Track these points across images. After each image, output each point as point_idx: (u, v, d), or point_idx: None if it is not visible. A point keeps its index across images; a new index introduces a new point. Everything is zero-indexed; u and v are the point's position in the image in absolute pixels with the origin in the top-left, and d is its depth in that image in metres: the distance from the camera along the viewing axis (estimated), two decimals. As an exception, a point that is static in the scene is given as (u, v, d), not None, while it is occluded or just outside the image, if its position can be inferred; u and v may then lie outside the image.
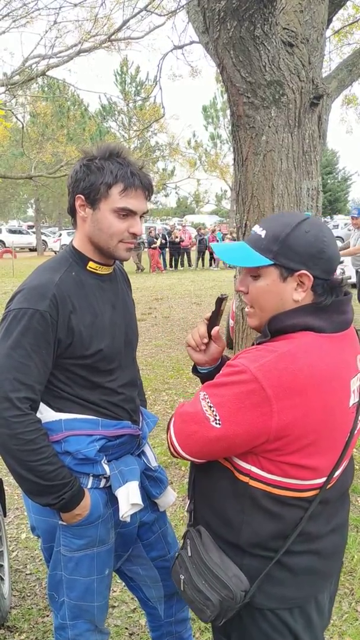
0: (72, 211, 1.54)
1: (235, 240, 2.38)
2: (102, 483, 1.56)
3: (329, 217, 35.59)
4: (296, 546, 1.16)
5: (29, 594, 2.60)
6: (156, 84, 9.27)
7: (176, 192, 40.67)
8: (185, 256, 21.41)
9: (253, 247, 1.17)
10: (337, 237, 21.74)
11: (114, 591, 2.57)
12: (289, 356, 1.07)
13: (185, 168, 34.31)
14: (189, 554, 1.23)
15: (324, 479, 1.14)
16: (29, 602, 2.54)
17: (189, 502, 1.33)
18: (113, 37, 12.57)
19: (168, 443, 1.23)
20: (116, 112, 32.63)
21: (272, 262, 1.14)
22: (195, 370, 1.44)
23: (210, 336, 1.36)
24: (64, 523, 1.52)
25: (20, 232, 34.22)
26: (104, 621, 1.70)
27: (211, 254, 20.74)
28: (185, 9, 4.42)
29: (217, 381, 1.14)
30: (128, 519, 1.56)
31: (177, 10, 8.23)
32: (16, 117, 16.44)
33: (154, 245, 19.39)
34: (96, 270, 1.56)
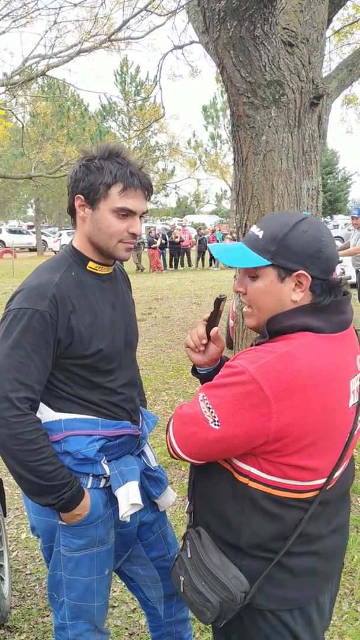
0: (72, 211, 1.54)
1: (235, 240, 2.38)
2: (102, 483, 1.56)
3: (329, 217, 35.57)
4: (296, 547, 1.15)
5: (29, 594, 2.60)
6: (156, 84, 9.27)
7: (176, 192, 40.73)
8: (185, 256, 21.40)
9: (251, 248, 1.17)
10: (337, 237, 21.75)
11: (114, 591, 2.57)
12: (288, 357, 1.06)
13: (185, 168, 34.34)
14: (189, 556, 1.22)
15: (323, 480, 1.14)
16: (29, 602, 2.54)
17: (188, 503, 1.32)
18: (113, 37, 12.57)
19: (167, 444, 1.23)
20: (116, 112, 32.64)
21: (269, 263, 1.13)
22: (194, 371, 1.44)
23: (209, 337, 1.36)
24: (64, 523, 1.52)
25: (20, 232, 34.21)
26: (104, 621, 1.70)
27: (211, 253, 20.71)
28: (185, 9, 4.42)
29: (216, 382, 1.14)
30: (128, 519, 1.56)
31: (177, 10, 8.23)
32: (16, 117, 16.45)
33: (154, 245, 19.39)
34: (96, 270, 1.56)
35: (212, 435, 1.10)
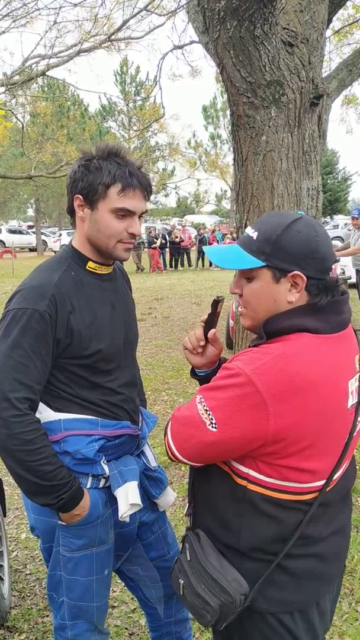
0: (71, 211, 1.54)
1: (235, 240, 2.38)
2: (102, 483, 1.56)
3: (329, 217, 35.57)
4: (296, 549, 1.15)
5: (28, 594, 2.60)
6: (156, 84, 9.27)
7: (176, 192, 40.73)
8: (185, 256, 21.40)
9: (245, 249, 1.16)
10: (337, 237, 21.74)
11: (114, 591, 2.57)
12: (285, 358, 1.06)
13: (185, 168, 34.36)
14: (188, 559, 1.22)
15: (323, 482, 1.13)
16: (29, 602, 2.54)
17: (187, 505, 1.32)
18: (113, 37, 12.57)
19: (165, 447, 1.22)
20: (116, 112, 32.65)
21: (264, 264, 1.13)
22: (193, 373, 1.43)
23: (207, 339, 1.35)
24: (63, 523, 1.51)
25: (20, 232, 34.20)
26: (104, 621, 1.70)
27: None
28: (185, 9, 4.42)
29: (213, 384, 1.13)
30: (127, 519, 1.55)
31: (177, 10, 8.23)
32: (16, 117, 16.46)
33: (154, 245, 19.39)
34: (95, 270, 1.56)
35: (210, 437, 1.09)
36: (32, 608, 2.49)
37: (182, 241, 20.79)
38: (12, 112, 15.83)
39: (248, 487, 1.13)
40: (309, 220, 1.16)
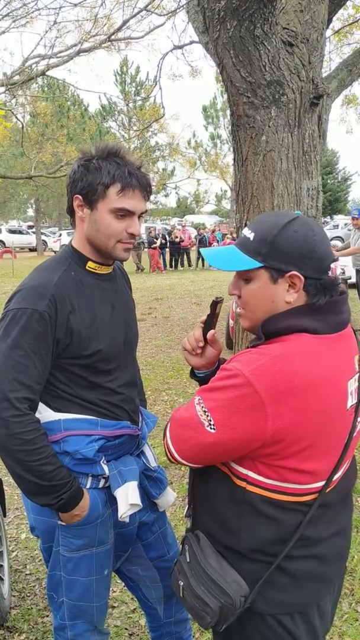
0: (71, 211, 1.53)
1: (235, 240, 2.38)
2: (101, 483, 1.56)
3: (329, 217, 35.57)
4: (296, 551, 1.14)
5: (28, 594, 2.60)
6: (156, 84, 9.27)
7: (176, 192, 40.74)
8: (185, 256, 21.40)
9: (242, 250, 1.16)
10: (337, 237, 21.75)
11: (114, 591, 2.57)
12: (283, 359, 1.05)
13: (185, 168, 34.38)
14: (188, 560, 1.21)
15: (322, 483, 1.12)
16: (29, 603, 2.54)
17: (187, 507, 1.32)
18: (113, 37, 12.58)
19: (165, 448, 1.22)
20: (116, 112, 32.67)
21: (261, 265, 1.12)
22: (192, 374, 1.43)
23: (206, 340, 1.35)
24: (63, 523, 1.51)
25: (20, 232, 34.21)
26: (104, 621, 1.70)
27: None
28: (185, 8, 4.42)
29: (211, 385, 1.13)
30: (127, 520, 1.55)
31: (177, 10, 8.23)
32: (16, 117, 16.46)
33: (154, 245, 19.39)
34: (95, 270, 1.56)
35: (208, 439, 1.09)
36: (32, 608, 2.49)
37: (182, 241, 20.79)
38: (12, 112, 15.84)
39: (247, 489, 1.12)
40: (306, 219, 1.15)
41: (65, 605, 1.59)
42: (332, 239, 19.45)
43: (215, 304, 1.32)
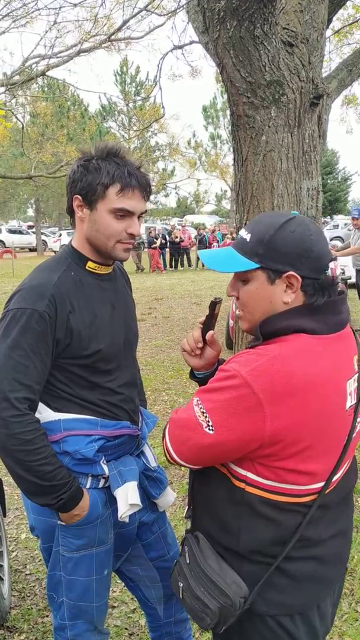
0: (71, 211, 1.53)
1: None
2: (101, 483, 1.56)
3: (329, 217, 35.58)
4: (296, 552, 1.14)
5: (28, 594, 2.60)
6: (156, 84, 9.27)
7: (176, 192, 40.74)
8: (185, 256, 21.41)
9: (239, 252, 1.15)
10: (337, 237, 21.75)
11: (114, 591, 2.57)
12: (281, 359, 1.05)
13: (185, 168, 34.38)
14: (187, 561, 1.21)
15: (322, 484, 1.12)
16: (29, 603, 2.54)
17: (187, 507, 1.31)
18: (113, 37, 12.57)
19: (164, 450, 1.22)
20: (116, 112, 32.67)
21: (258, 266, 1.12)
22: (192, 375, 1.42)
23: (205, 340, 1.34)
24: (63, 523, 1.51)
25: (20, 232, 34.21)
26: (104, 621, 1.70)
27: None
28: (185, 9, 4.41)
29: (209, 386, 1.12)
30: (126, 520, 1.55)
31: (177, 10, 8.23)
32: (16, 117, 16.45)
33: (154, 245, 19.39)
34: (95, 270, 1.56)
35: (207, 440, 1.09)
36: (32, 608, 2.49)
37: (182, 241, 20.79)
38: (12, 112, 15.83)
39: (246, 490, 1.12)
40: (303, 219, 1.14)
41: (65, 605, 1.59)
42: (332, 239, 19.46)
43: (214, 305, 1.32)
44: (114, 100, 30.88)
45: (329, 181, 35.50)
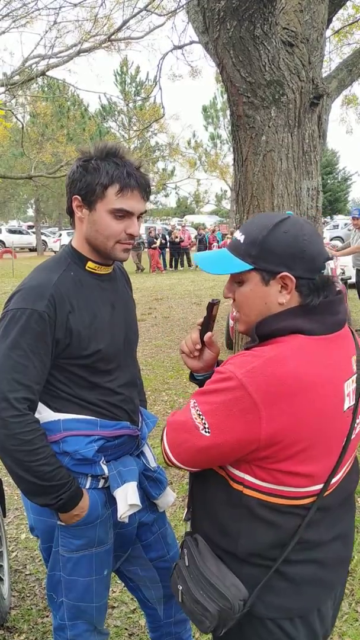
0: (70, 211, 1.53)
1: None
2: (101, 483, 1.56)
3: (329, 217, 35.58)
4: (296, 555, 1.13)
5: (28, 595, 2.60)
6: (156, 84, 9.27)
7: (176, 192, 40.75)
8: (185, 256, 21.40)
9: (234, 253, 1.15)
10: (337, 237, 21.75)
11: (114, 592, 2.57)
12: (277, 361, 1.04)
13: (185, 168, 34.37)
14: (187, 564, 1.20)
15: (320, 486, 1.11)
16: (29, 603, 2.54)
17: (187, 510, 1.31)
18: (113, 37, 12.56)
19: (162, 452, 1.21)
20: (116, 112, 32.66)
21: (252, 267, 1.12)
22: (192, 377, 1.42)
23: (203, 342, 1.34)
24: (63, 523, 1.51)
25: (20, 232, 34.22)
26: (104, 622, 1.70)
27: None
28: (185, 9, 4.41)
29: (205, 388, 1.12)
30: (126, 520, 1.55)
31: (177, 10, 8.23)
32: (16, 117, 16.45)
33: (154, 246, 19.39)
34: (95, 270, 1.56)
35: (203, 442, 1.08)
36: (31, 608, 2.49)
37: (182, 241, 20.79)
38: (12, 112, 15.83)
39: (244, 492, 1.11)
40: (296, 219, 1.14)
41: (64, 605, 1.59)
42: (332, 239, 19.46)
43: (212, 306, 1.31)
44: (114, 100, 30.94)
45: (329, 181, 35.51)
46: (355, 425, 1.16)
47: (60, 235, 29.71)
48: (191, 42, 8.94)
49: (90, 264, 1.55)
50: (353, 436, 1.15)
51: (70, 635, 1.61)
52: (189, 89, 36.28)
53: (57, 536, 1.55)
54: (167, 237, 20.69)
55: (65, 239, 25.62)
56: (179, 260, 21.09)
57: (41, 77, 14.37)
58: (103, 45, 12.84)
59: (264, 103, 2.63)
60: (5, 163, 26.98)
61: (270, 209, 2.76)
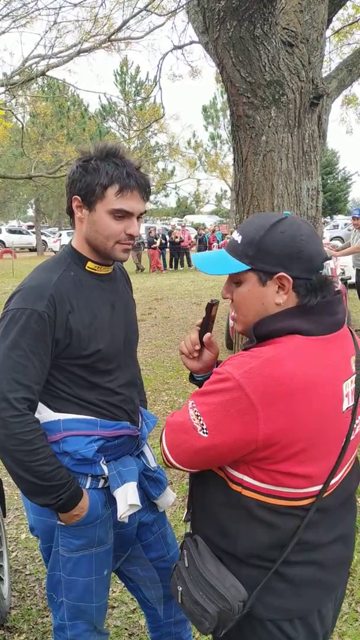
0: (70, 212, 1.53)
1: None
2: (101, 483, 1.56)
3: (329, 217, 35.58)
4: (295, 556, 1.12)
5: (28, 595, 2.60)
6: (156, 84, 9.27)
7: (176, 192, 40.70)
8: (185, 256, 21.40)
9: (231, 254, 1.15)
10: (337, 237, 21.75)
11: (114, 592, 2.57)
12: (274, 361, 1.04)
13: (185, 168, 34.35)
14: (186, 565, 1.20)
15: (320, 487, 1.11)
16: (29, 603, 2.54)
17: (187, 511, 1.31)
18: (113, 37, 12.55)
19: (161, 453, 1.21)
20: (116, 112, 32.65)
21: (249, 267, 1.11)
22: (192, 377, 1.41)
23: (202, 343, 1.33)
24: (63, 523, 1.51)
25: (20, 232, 34.22)
26: (104, 622, 1.70)
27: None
28: (185, 9, 4.41)
29: (203, 389, 1.12)
30: (126, 520, 1.55)
31: (177, 10, 8.23)
32: (16, 117, 16.45)
33: (154, 246, 19.39)
34: (95, 270, 1.56)
35: (201, 443, 1.08)
36: (31, 608, 2.49)
37: (182, 241, 20.79)
38: (12, 112, 15.83)
39: (242, 493, 1.11)
40: (294, 220, 1.14)
41: (64, 605, 1.59)
42: (332, 239, 19.45)
43: (211, 307, 1.31)
44: (114, 100, 30.92)
45: (329, 181, 35.52)
46: (355, 425, 1.15)
47: (60, 235, 29.70)
48: (191, 42, 8.95)
49: (90, 264, 1.55)
50: (352, 437, 1.15)
51: (70, 635, 1.61)
52: (189, 89, 36.27)
53: (57, 536, 1.55)
54: (167, 237, 20.69)
55: (65, 239, 25.62)
56: (179, 260, 21.09)
57: (41, 77, 14.37)
58: (103, 45, 12.84)
59: (264, 103, 2.63)
60: (5, 163, 26.99)
61: (270, 209, 2.76)
